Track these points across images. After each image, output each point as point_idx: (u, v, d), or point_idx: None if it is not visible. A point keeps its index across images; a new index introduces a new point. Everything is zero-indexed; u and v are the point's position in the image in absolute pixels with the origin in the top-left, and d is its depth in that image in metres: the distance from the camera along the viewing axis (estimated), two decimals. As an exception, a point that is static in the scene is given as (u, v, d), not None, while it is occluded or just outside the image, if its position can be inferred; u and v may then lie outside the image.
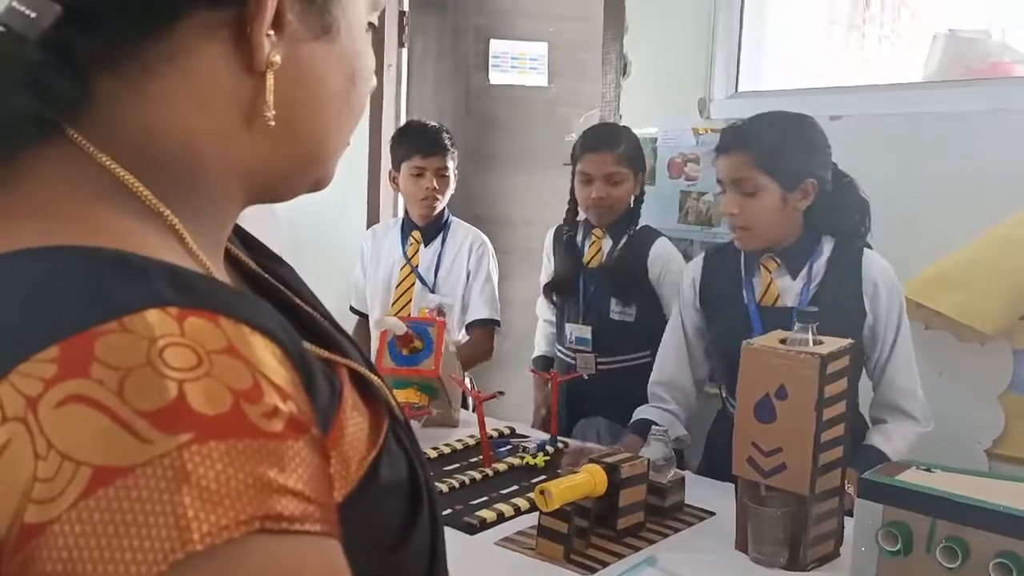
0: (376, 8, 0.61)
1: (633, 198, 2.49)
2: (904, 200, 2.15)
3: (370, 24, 0.61)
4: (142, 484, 0.38)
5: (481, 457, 1.98)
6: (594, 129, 2.58)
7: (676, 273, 2.37)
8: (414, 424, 2.05)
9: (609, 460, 1.62)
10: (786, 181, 1.91)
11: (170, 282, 0.44)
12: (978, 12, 2.75)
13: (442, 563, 0.64)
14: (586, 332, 2.50)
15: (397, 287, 2.77)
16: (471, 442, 2.08)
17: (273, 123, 0.54)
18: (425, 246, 2.76)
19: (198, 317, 0.43)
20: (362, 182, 3.55)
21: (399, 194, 3.04)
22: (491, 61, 3.60)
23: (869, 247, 1.98)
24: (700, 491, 1.80)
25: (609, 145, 2.43)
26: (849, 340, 1.55)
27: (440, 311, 2.55)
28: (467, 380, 2.32)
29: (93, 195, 0.50)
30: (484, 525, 1.65)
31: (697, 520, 1.72)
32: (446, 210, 2.80)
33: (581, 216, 2.56)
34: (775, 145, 1.91)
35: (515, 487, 1.84)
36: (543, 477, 1.87)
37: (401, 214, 3.03)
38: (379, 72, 3.06)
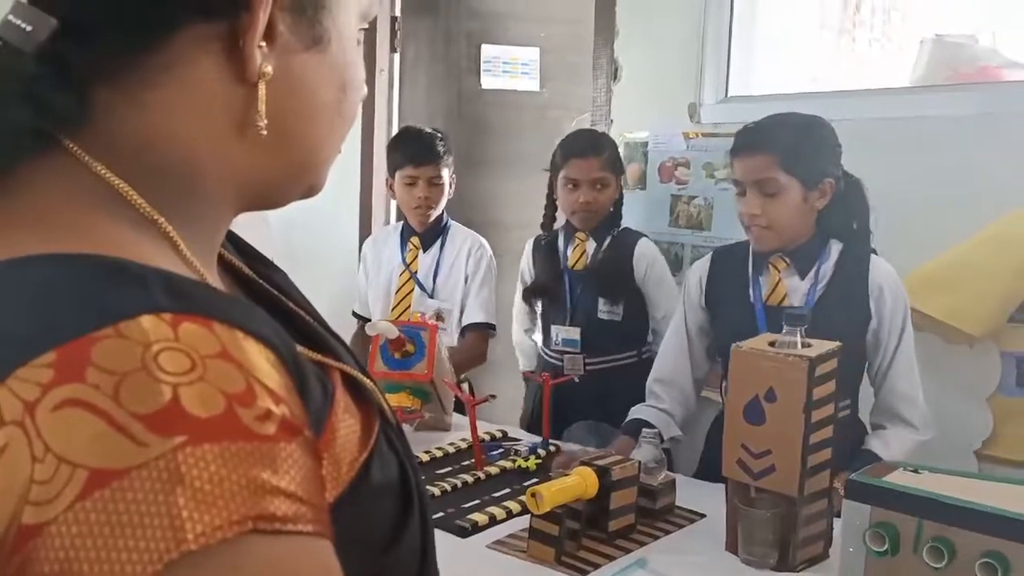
0: (367, 18, 0.61)
1: (613, 201, 2.53)
2: (894, 204, 2.16)
3: (361, 30, 0.61)
4: (137, 486, 0.39)
5: (473, 460, 1.99)
6: (576, 136, 2.59)
7: (660, 271, 2.50)
8: (406, 427, 2.05)
9: (600, 463, 1.63)
10: (807, 181, 1.92)
11: (165, 289, 0.45)
12: (968, 16, 2.75)
13: (432, 565, 0.65)
14: (574, 333, 2.51)
15: (396, 293, 2.77)
16: (463, 445, 2.09)
17: (265, 132, 0.54)
18: (424, 252, 2.77)
19: (192, 323, 0.44)
20: (354, 188, 3.55)
21: (394, 200, 3.05)
22: (483, 66, 3.60)
23: (875, 252, 1.98)
24: (691, 493, 1.81)
25: (595, 151, 2.47)
26: (837, 343, 1.56)
27: (439, 316, 2.56)
28: (465, 384, 2.33)
29: (90, 205, 0.50)
30: (476, 528, 1.66)
31: (688, 522, 1.73)
32: (445, 215, 2.80)
33: (559, 222, 2.59)
34: (796, 145, 1.91)
35: (507, 490, 1.85)
36: (535, 480, 1.88)
37: (398, 219, 3.03)
38: (371, 77, 3.07)
